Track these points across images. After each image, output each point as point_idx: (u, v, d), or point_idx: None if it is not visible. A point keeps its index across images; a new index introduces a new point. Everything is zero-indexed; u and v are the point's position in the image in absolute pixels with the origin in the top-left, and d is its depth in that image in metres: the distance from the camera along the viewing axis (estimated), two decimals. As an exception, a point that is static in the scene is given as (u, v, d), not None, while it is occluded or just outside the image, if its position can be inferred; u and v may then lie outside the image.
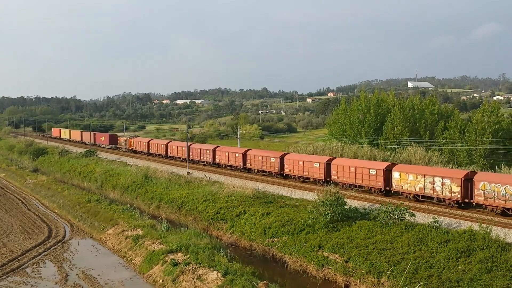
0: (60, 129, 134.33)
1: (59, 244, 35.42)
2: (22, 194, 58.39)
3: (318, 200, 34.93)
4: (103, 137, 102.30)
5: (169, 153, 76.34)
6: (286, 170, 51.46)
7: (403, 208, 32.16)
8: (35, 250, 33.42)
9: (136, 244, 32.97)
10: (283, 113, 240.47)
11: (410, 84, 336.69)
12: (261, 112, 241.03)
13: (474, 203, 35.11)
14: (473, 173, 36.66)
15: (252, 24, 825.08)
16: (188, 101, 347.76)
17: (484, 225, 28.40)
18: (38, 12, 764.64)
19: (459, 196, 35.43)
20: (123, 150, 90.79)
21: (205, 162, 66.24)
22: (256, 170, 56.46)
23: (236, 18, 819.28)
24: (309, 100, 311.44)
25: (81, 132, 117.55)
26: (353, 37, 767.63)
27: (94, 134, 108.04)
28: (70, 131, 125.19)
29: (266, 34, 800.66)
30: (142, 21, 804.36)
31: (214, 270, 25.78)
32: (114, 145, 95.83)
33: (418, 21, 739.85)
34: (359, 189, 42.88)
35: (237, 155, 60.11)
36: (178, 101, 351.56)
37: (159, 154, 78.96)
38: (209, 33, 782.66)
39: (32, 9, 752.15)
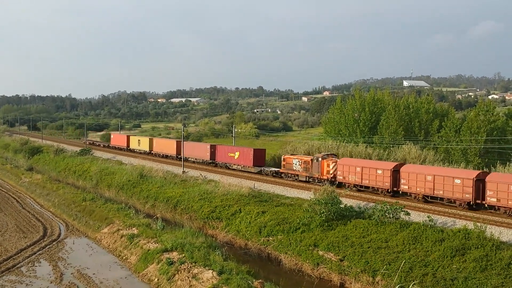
0: (128, 137, 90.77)
1: (54, 243, 35.31)
2: (17, 193, 58.14)
3: (314, 199, 35.00)
4: (236, 153, 59.38)
5: None
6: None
7: (398, 207, 32.27)
8: (30, 249, 33.30)
9: (131, 243, 32.91)
10: (279, 112, 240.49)
11: (405, 83, 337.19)
12: (257, 111, 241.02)
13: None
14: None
15: (248, 23, 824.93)
16: (183, 99, 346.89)
17: (478, 224, 28.54)
18: (33, 10, 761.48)
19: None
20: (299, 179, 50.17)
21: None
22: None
23: (232, 16, 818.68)
24: (304, 98, 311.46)
25: (177, 143, 72.25)
26: (349, 36, 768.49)
27: (214, 148, 63.88)
28: (151, 140, 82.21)
29: (262, 32, 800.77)
30: (138, 19, 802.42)
31: (209, 269, 25.77)
32: (275, 171, 53.92)
33: (414, 20, 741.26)
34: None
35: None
36: (173, 100, 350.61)
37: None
38: (205, 32, 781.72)
39: (27, 7, 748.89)
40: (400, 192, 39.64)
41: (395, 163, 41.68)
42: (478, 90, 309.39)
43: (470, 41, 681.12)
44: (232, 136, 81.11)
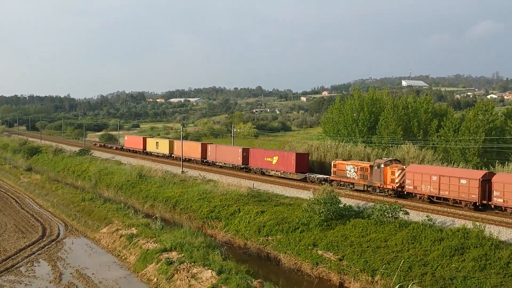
0: (145, 139, 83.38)
1: (53, 243, 35.29)
2: (16, 193, 58.09)
3: (313, 199, 35.02)
4: (274, 157, 52.96)
5: None
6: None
7: (397, 206, 32.30)
8: (29, 249, 33.28)
9: (130, 243, 32.90)
10: (278, 112, 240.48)
11: (404, 83, 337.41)
12: (256, 111, 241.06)
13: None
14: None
15: (247, 23, 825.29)
16: (182, 99, 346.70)
17: (477, 223, 28.57)
18: (31, 10, 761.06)
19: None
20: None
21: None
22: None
23: (231, 16, 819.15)
24: (303, 98, 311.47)
25: (204, 146, 66.47)
26: (348, 36, 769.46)
27: (247, 152, 57.55)
28: (172, 143, 74.23)
29: (261, 32, 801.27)
30: (136, 19, 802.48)
31: (208, 269, 25.78)
32: (323, 178, 47.57)
33: (413, 20, 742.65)
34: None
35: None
36: (172, 100, 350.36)
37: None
38: (204, 32, 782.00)
39: (25, 7, 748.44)
40: (493, 206, 33.99)
41: (484, 172, 36.28)
42: (476, 89, 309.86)
43: (469, 41, 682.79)
44: (231, 136, 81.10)
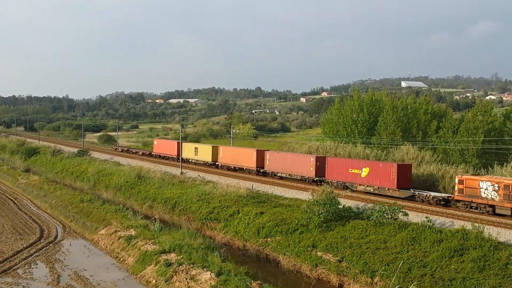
0: (180, 143, 70.34)
1: (51, 244, 35.15)
2: (13, 194, 57.95)
3: (312, 200, 34.94)
4: (364, 169, 43.54)
5: None
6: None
7: (396, 208, 32.25)
8: (26, 251, 33.12)
9: (129, 245, 32.78)
10: (277, 113, 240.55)
11: (403, 84, 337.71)
12: (255, 112, 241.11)
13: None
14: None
15: (246, 23, 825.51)
16: (181, 100, 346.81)
17: (476, 224, 28.52)
18: (30, 9, 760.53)
19: None
20: None
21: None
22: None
23: (230, 16, 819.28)
24: (303, 99, 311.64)
25: (261, 153, 56.68)
26: (347, 36, 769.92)
27: (323, 161, 48.05)
28: (216, 149, 65.03)
29: (260, 33, 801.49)
30: (135, 19, 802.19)
31: (207, 270, 25.68)
32: (442, 198, 38.09)
33: (412, 21, 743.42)
34: None
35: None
36: (171, 101, 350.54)
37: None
38: (203, 32, 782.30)
39: (24, 6, 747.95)
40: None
41: None
42: (475, 91, 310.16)
43: (468, 42, 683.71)
44: (230, 137, 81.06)
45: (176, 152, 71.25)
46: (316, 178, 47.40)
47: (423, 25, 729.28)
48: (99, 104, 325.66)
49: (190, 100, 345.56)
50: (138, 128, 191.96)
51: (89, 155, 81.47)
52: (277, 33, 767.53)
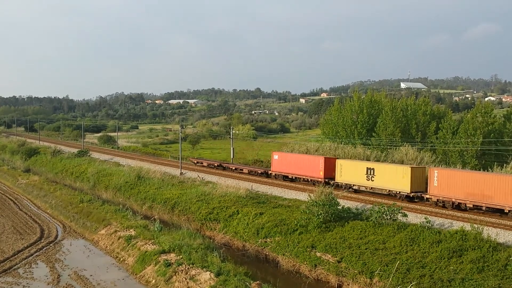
0: (332, 160, 47.57)
1: (51, 244, 35.24)
2: (13, 194, 58.01)
3: (311, 201, 35.01)
4: None
5: None
6: None
7: (395, 209, 32.32)
8: (27, 251, 33.22)
9: (128, 245, 32.87)
10: (277, 114, 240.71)
11: (402, 85, 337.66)
12: (255, 113, 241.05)
13: None
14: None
15: (246, 24, 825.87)
16: (181, 101, 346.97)
17: (475, 225, 28.59)
18: (30, 10, 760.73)
19: None
20: None
21: None
22: None
23: (230, 17, 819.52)
24: (302, 100, 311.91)
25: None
26: (346, 37, 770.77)
27: None
28: (417, 172, 40.22)
29: (259, 33, 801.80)
30: (136, 20, 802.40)
31: (207, 271, 25.77)
32: None
33: (411, 21, 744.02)
34: None
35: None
36: (171, 101, 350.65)
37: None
38: (202, 32, 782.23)
39: (24, 7, 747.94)
40: None
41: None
42: (475, 92, 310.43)
43: (468, 43, 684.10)
44: (229, 137, 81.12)
45: (323, 172, 46.98)
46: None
47: (423, 26, 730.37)
48: (99, 104, 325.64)
49: (190, 101, 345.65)
50: (138, 128, 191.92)
51: (89, 156, 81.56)
52: (277, 34, 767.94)
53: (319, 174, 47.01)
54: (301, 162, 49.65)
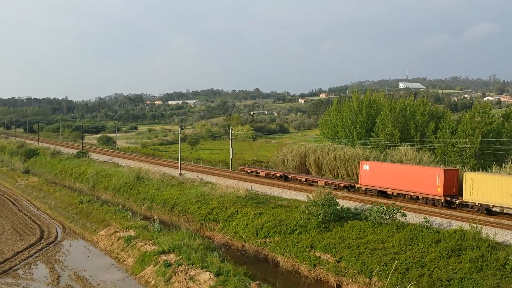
0: (451, 172, 38.69)
1: (51, 245, 35.28)
2: (13, 195, 58.01)
3: (310, 201, 35.09)
4: None
5: None
6: None
7: (394, 208, 32.39)
8: (26, 252, 33.26)
9: (128, 245, 32.92)
10: (276, 114, 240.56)
11: (401, 85, 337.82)
12: (254, 113, 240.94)
13: None
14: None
15: (245, 24, 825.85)
16: (180, 102, 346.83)
17: (474, 225, 28.68)
18: (30, 10, 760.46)
19: None
20: None
21: None
22: None
23: (229, 17, 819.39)
24: (301, 101, 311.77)
25: None
26: (345, 37, 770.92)
27: None
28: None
29: (259, 34, 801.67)
30: (135, 20, 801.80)
31: (206, 271, 25.83)
32: None
33: (410, 21, 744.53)
34: None
35: None
36: (170, 102, 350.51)
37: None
38: (201, 33, 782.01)
39: (24, 7, 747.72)
40: None
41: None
42: (473, 92, 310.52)
43: (466, 43, 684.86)
44: (229, 138, 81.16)
45: (441, 188, 37.62)
46: None
47: (423, 26, 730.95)
48: (98, 105, 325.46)
49: (189, 102, 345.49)
50: (137, 129, 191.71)
51: (88, 157, 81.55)
52: (276, 35, 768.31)
53: (436, 190, 37.84)
54: (406, 174, 40.59)
